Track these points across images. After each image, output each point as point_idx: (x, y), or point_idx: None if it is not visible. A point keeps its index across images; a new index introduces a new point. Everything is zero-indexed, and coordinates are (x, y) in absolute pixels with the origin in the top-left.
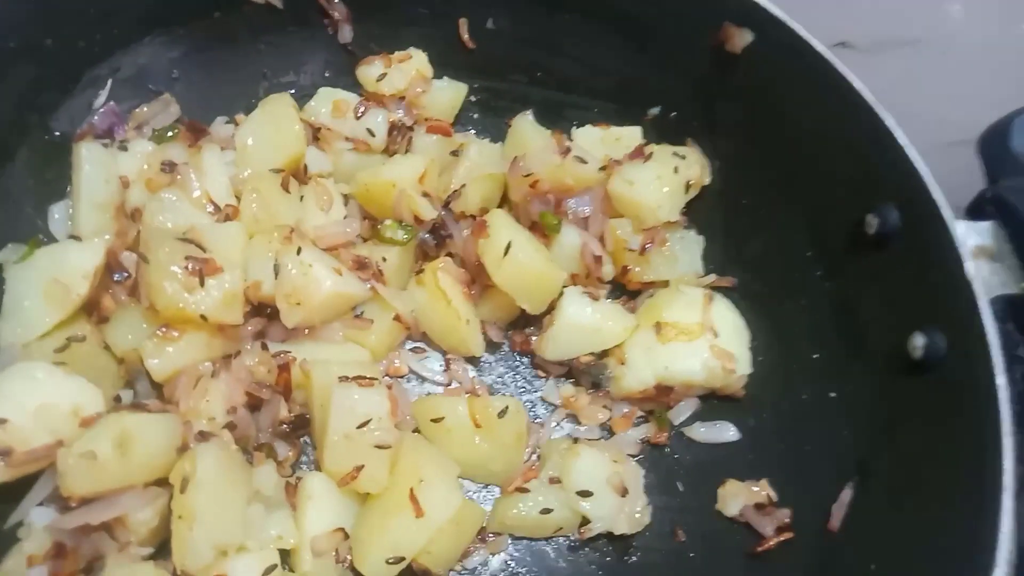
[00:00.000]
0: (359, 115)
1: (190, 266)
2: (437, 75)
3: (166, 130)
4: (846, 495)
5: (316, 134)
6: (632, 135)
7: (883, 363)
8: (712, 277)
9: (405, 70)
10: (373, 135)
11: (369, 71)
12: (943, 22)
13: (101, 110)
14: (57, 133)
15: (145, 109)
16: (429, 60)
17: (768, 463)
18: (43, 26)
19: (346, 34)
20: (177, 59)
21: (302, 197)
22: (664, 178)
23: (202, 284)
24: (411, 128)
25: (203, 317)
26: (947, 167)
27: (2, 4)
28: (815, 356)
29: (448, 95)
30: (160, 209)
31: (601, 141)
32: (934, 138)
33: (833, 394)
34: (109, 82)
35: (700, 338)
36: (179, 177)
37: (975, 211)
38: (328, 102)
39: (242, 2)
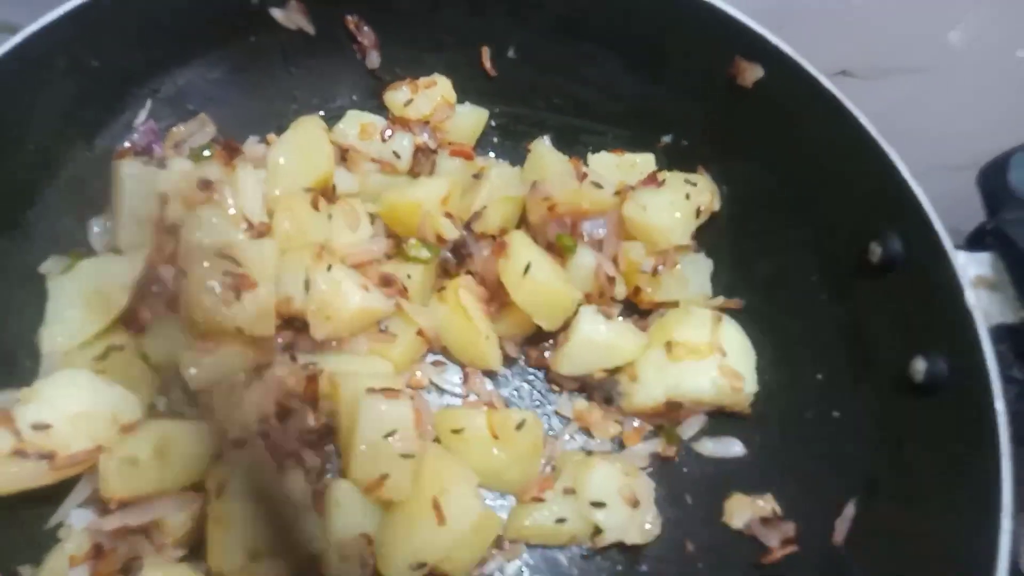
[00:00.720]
0: (385, 138)
1: (227, 281)
2: (460, 100)
3: (202, 149)
4: (849, 510)
5: (344, 155)
6: (646, 161)
7: (886, 385)
8: (721, 299)
9: (430, 96)
10: (399, 157)
11: (396, 96)
12: (944, 50)
13: (141, 128)
14: (98, 150)
15: (182, 128)
16: (453, 86)
17: (773, 478)
18: (89, 47)
19: (373, 60)
20: (214, 81)
21: (331, 216)
22: (676, 204)
23: (238, 298)
24: (435, 151)
25: (239, 330)
26: (946, 190)
27: (52, 25)
28: (819, 376)
29: (471, 120)
30: (198, 226)
31: (616, 167)
32: (934, 162)
33: (837, 413)
34: (149, 102)
35: (709, 357)
36: (215, 195)
37: (975, 242)
38: (356, 124)
39: (276, 28)
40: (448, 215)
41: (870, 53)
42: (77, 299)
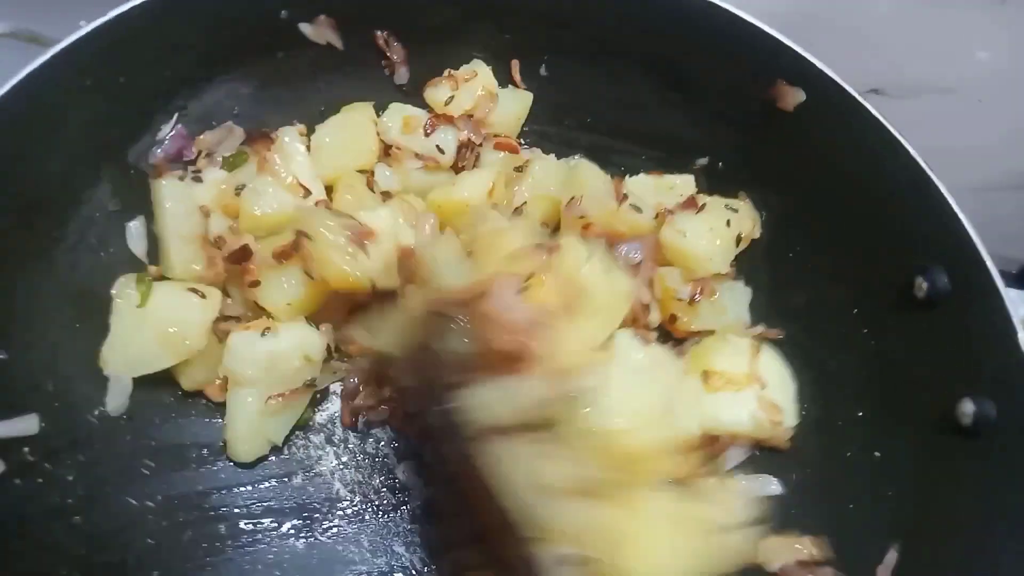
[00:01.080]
0: (428, 132)
1: (351, 236)
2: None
3: (235, 157)
4: (891, 557)
5: (386, 151)
6: (685, 184)
7: (931, 427)
8: (760, 327)
9: (471, 89)
10: (442, 152)
11: (437, 93)
12: (974, 69)
13: (171, 134)
14: (129, 165)
15: (209, 136)
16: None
17: (811, 519)
18: (117, 63)
19: (402, 75)
20: (242, 97)
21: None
22: (716, 231)
23: (365, 252)
24: (480, 144)
25: (372, 284)
26: (977, 212)
27: (80, 41)
28: (860, 414)
29: (515, 107)
30: (256, 198)
31: (654, 189)
32: (967, 183)
33: (878, 454)
34: (176, 115)
35: (747, 388)
36: (270, 165)
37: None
38: (399, 118)
39: (305, 43)
40: (495, 206)
41: (899, 72)
42: (149, 334)
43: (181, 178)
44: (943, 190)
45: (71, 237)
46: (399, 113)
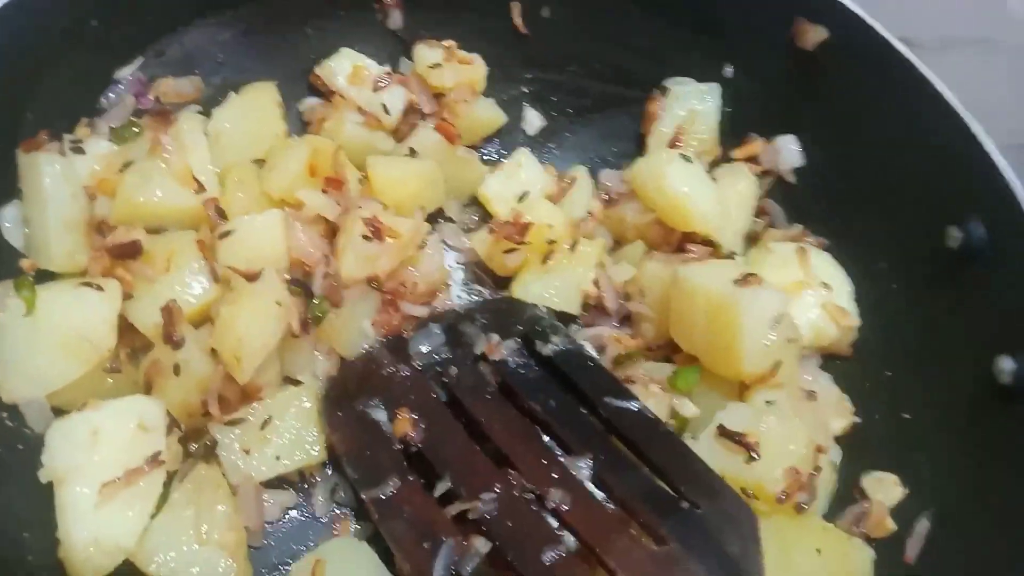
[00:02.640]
0: (378, 88)
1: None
2: (490, 69)
3: (125, 128)
4: (922, 527)
5: (328, 97)
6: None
7: (965, 387)
8: (798, 228)
9: (459, 72)
10: (387, 112)
11: (427, 54)
12: (1008, 21)
13: (128, 77)
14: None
15: (171, 83)
16: (484, 57)
17: (838, 489)
18: (90, 8)
19: (396, 20)
20: (224, 43)
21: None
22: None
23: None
24: (423, 117)
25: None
26: (1013, 166)
27: None
28: (888, 373)
29: (485, 117)
30: (140, 181)
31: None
32: (1000, 139)
33: (908, 415)
34: (139, 59)
35: (805, 293)
36: (162, 148)
37: None
38: (348, 65)
39: None
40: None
41: (931, 22)
42: (49, 345)
43: (61, 150)
44: (980, 137)
45: None
46: (349, 60)
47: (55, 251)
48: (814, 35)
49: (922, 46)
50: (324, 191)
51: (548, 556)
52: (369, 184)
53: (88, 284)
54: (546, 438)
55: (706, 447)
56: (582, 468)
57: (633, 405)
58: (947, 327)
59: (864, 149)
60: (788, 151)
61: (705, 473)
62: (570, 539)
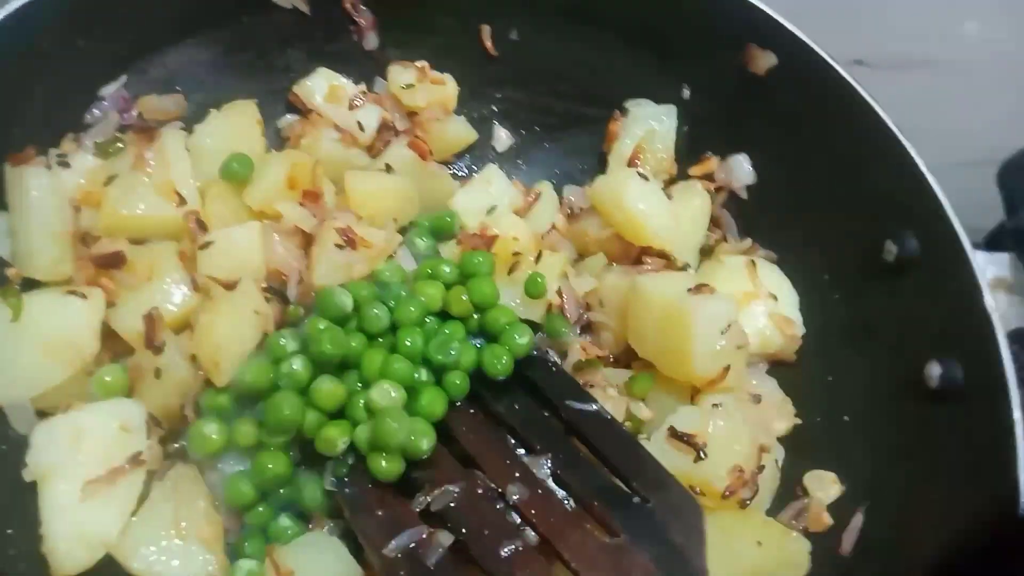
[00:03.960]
0: (354, 106)
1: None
2: (461, 88)
3: (109, 143)
4: (857, 520)
5: (305, 114)
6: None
7: (898, 390)
8: (748, 242)
9: (432, 92)
10: (362, 130)
11: (400, 75)
12: (959, 42)
13: (111, 94)
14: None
15: (154, 100)
16: (455, 77)
17: (778, 483)
18: (76, 25)
19: (371, 41)
20: (205, 63)
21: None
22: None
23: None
24: (397, 135)
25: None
26: (959, 187)
27: (37, 2)
28: (829, 379)
29: (457, 133)
30: (124, 194)
31: None
32: (947, 157)
33: (847, 417)
34: (123, 77)
35: (753, 304)
36: (144, 163)
37: (993, 243)
38: (325, 84)
39: (272, 8)
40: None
41: (884, 43)
42: (34, 348)
43: (48, 165)
44: (914, 156)
45: None
46: (326, 79)
47: (40, 260)
48: (764, 60)
49: (875, 66)
50: (301, 204)
51: (507, 549)
52: (345, 197)
53: (73, 292)
54: (511, 440)
55: (658, 447)
56: (543, 466)
57: (592, 407)
58: (883, 336)
59: (810, 168)
60: (741, 169)
61: (655, 469)
62: (530, 534)
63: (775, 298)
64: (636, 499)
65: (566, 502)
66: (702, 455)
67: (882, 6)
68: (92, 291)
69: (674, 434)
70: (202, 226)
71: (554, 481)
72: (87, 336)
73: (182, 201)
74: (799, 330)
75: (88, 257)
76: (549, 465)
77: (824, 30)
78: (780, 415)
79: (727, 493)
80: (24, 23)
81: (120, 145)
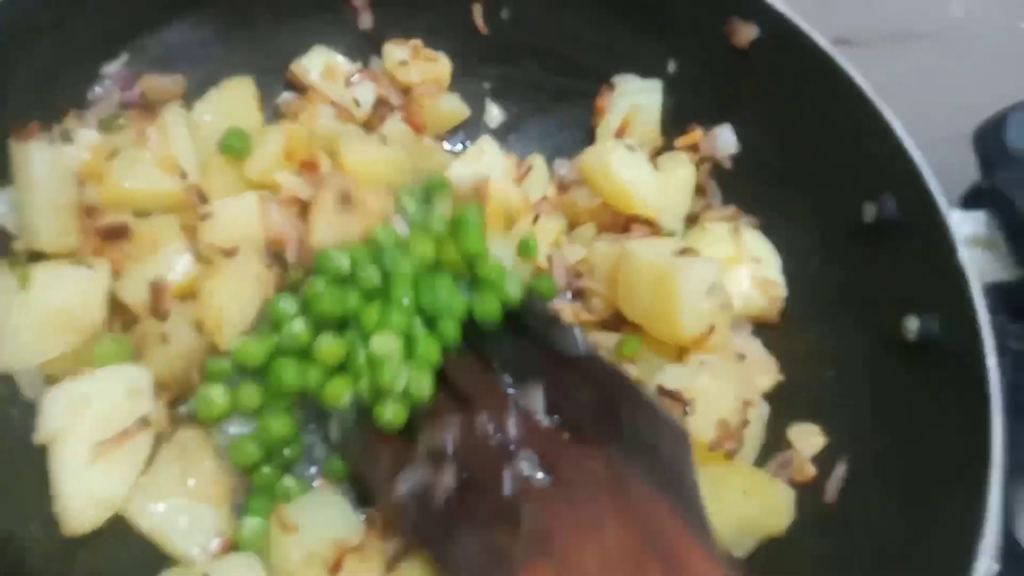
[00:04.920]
0: (350, 83)
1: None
2: (453, 65)
3: (115, 118)
4: (840, 470)
5: (302, 91)
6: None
7: (878, 345)
8: (732, 208)
9: (425, 70)
10: (358, 105)
11: (395, 52)
12: (945, 18)
13: (113, 72)
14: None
15: (155, 79)
16: (448, 54)
17: (765, 436)
18: (72, 4)
19: (366, 20)
20: (203, 41)
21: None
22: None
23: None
24: (393, 110)
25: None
26: (948, 160)
27: None
28: (811, 338)
29: (450, 109)
30: (127, 168)
31: None
32: (935, 133)
33: (829, 374)
34: (125, 55)
35: (737, 267)
36: (146, 139)
37: (970, 201)
38: (321, 62)
39: None
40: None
41: (869, 20)
42: (41, 317)
43: (52, 139)
44: (889, 119)
45: None
46: (322, 57)
47: (46, 232)
48: (746, 33)
49: (861, 44)
50: (298, 174)
51: (510, 483)
52: (340, 166)
53: (79, 263)
54: (505, 379)
55: None
56: (536, 398)
57: (580, 340)
58: (862, 293)
59: (792, 137)
60: (725, 139)
61: (640, 393)
62: (531, 465)
63: (758, 261)
64: (624, 417)
65: (563, 432)
66: (688, 410)
67: None
68: (98, 262)
69: (662, 391)
70: (203, 198)
71: (547, 411)
72: (94, 305)
73: (183, 175)
74: (782, 292)
75: (93, 229)
76: (543, 396)
77: (810, 8)
78: (764, 372)
79: (713, 446)
80: (20, 1)
81: (122, 122)
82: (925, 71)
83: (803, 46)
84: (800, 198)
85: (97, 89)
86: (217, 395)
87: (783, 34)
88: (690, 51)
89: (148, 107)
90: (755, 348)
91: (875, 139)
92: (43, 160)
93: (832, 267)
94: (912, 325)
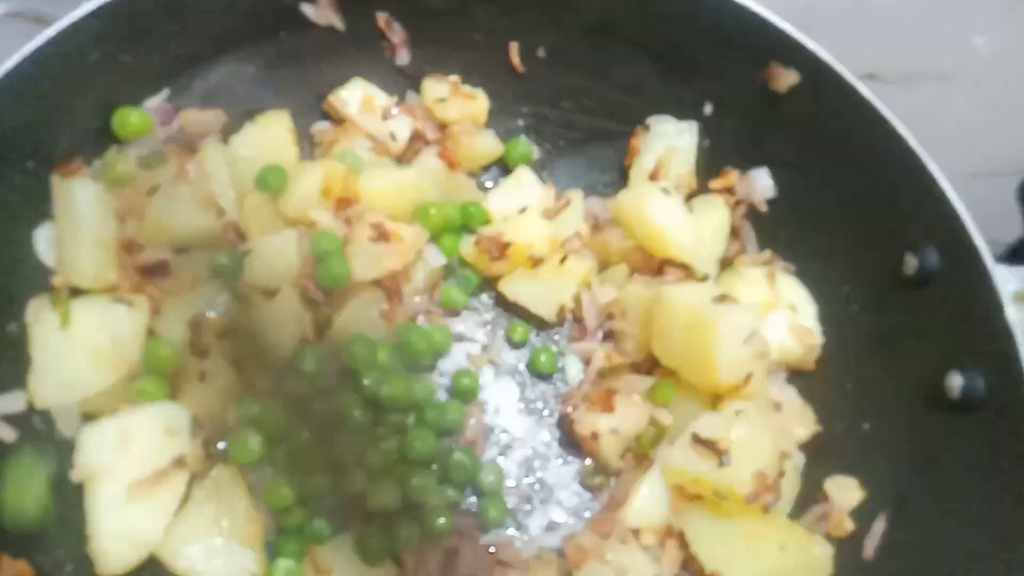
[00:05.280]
0: (389, 116)
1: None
2: (491, 103)
3: (154, 155)
4: (879, 526)
5: (340, 122)
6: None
7: (919, 400)
8: (767, 253)
9: (463, 107)
10: (394, 139)
11: (434, 88)
12: (971, 55)
13: (154, 106)
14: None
15: (195, 114)
16: (485, 91)
17: (801, 491)
18: (121, 41)
19: (403, 57)
20: (244, 79)
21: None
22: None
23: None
24: (427, 144)
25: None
26: (973, 198)
27: (84, 19)
28: (848, 387)
29: (486, 146)
30: (168, 205)
31: None
32: (961, 169)
33: (867, 426)
34: (166, 90)
35: (772, 314)
36: (187, 176)
37: (1015, 255)
38: (359, 95)
39: (307, 24)
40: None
41: (896, 57)
42: (81, 354)
43: (95, 177)
44: (933, 171)
45: None
46: (360, 89)
47: (86, 268)
48: (786, 78)
49: (887, 80)
50: (334, 211)
51: None
52: (355, 194)
53: (119, 299)
54: None
55: (682, 453)
56: None
57: None
58: (903, 347)
59: (830, 181)
60: (761, 182)
61: None
62: None
63: (794, 308)
64: None
65: None
66: (725, 461)
67: (891, 21)
68: (137, 298)
69: (698, 440)
70: (240, 235)
71: None
72: (132, 342)
73: (221, 212)
74: (818, 339)
75: (133, 266)
76: None
77: (837, 46)
78: (801, 422)
79: (751, 498)
80: (72, 39)
81: (161, 158)
82: (951, 108)
83: (844, 93)
84: (838, 244)
85: None
86: (253, 443)
87: (822, 78)
88: (726, 94)
89: (188, 143)
90: (791, 397)
91: (917, 189)
92: (86, 196)
93: (871, 316)
94: (955, 382)
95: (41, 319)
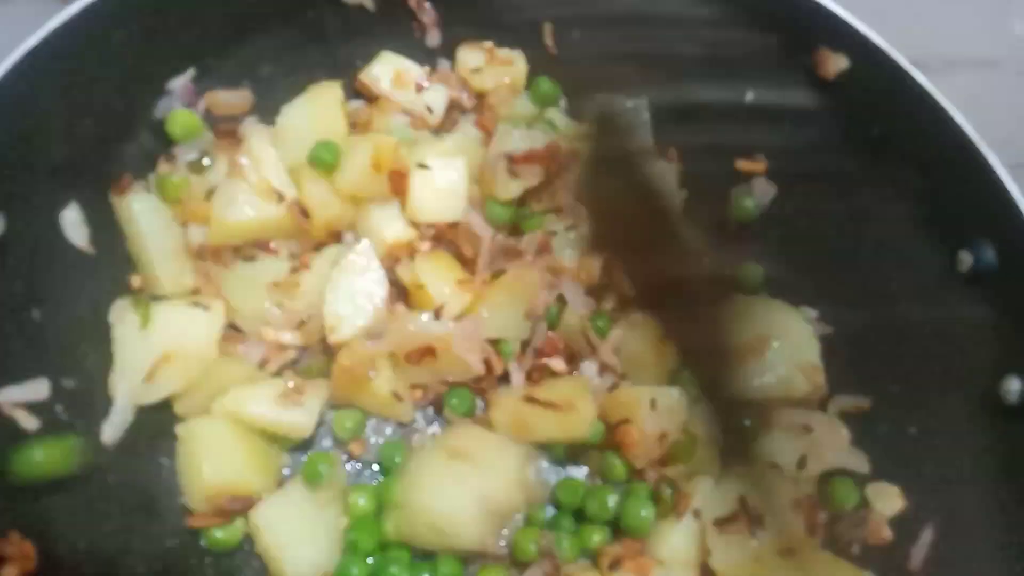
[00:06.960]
0: (421, 88)
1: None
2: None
3: (200, 160)
4: (927, 536)
5: (372, 99)
6: None
7: (971, 404)
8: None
9: (499, 73)
10: (431, 112)
11: (469, 57)
12: (1012, 41)
13: (178, 88)
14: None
15: (220, 95)
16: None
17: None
18: (145, 20)
19: (433, 38)
20: (270, 57)
21: None
22: None
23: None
24: (464, 112)
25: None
26: (1018, 188)
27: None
28: (894, 389)
29: (524, 113)
30: (228, 204)
31: None
32: (1006, 159)
33: (913, 430)
34: (191, 70)
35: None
36: (240, 168)
37: None
38: (390, 70)
39: (336, 4)
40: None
41: (935, 44)
42: (156, 355)
43: (148, 187)
44: (992, 162)
45: None
46: (391, 64)
47: (163, 276)
48: (835, 63)
49: (928, 67)
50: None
51: None
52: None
53: (196, 304)
54: None
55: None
56: None
57: None
58: (955, 345)
59: (874, 173)
60: (759, 188)
61: None
62: None
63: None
64: None
65: None
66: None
67: (929, 6)
68: (213, 302)
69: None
70: (305, 213)
71: None
72: (206, 346)
73: (281, 196)
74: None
75: (207, 272)
76: None
77: (878, 33)
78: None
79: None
80: (95, 18)
81: (207, 162)
82: (994, 95)
83: (897, 78)
84: (889, 240)
85: (160, 104)
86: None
87: (875, 65)
88: (770, 80)
89: (231, 134)
90: (819, 418)
91: (973, 181)
92: (144, 210)
93: (919, 315)
94: (1013, 386)
95: (123, 319)
